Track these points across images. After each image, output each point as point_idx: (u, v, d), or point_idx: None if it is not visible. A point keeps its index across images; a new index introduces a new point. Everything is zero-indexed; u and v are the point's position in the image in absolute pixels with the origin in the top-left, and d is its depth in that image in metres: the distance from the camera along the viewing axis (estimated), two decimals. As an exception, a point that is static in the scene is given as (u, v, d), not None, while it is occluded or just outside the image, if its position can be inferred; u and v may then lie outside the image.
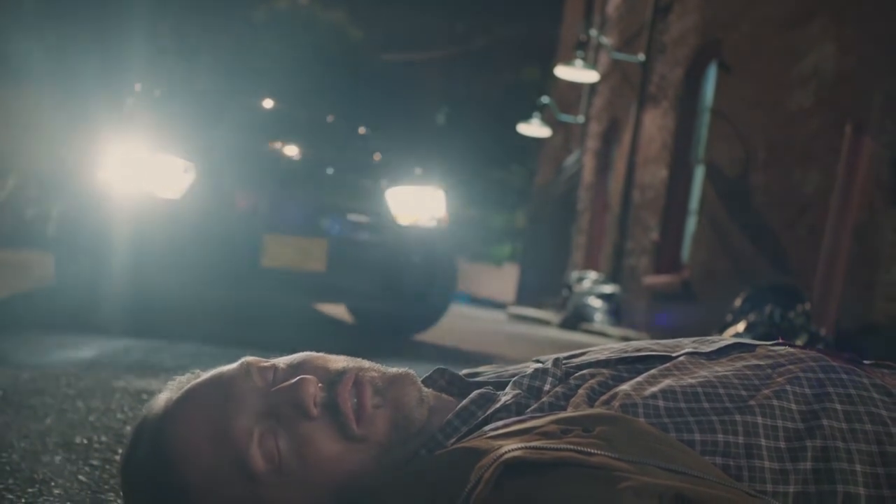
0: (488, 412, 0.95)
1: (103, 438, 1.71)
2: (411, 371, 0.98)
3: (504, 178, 22.12)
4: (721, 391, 0.91)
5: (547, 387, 0.98)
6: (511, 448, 0.78)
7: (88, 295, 4.11)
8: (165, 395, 0.99)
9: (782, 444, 0.85)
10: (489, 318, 10.66)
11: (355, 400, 0.92)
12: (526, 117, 13.61)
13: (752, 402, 0.89)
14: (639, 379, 0.95)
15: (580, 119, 12.98)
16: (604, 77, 11.43)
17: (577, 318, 9.31)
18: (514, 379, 1.01)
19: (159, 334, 3.63)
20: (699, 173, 8.24)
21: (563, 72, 10.88)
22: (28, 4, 12.41)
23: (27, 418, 1.82)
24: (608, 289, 9.48)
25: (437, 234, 4.52)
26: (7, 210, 11.40)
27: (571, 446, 0.77)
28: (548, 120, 13.71)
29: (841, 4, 5.77)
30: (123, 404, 2.08)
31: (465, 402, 0.98)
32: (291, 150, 4.53)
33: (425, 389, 0.99)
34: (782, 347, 1.00)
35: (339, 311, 6.04)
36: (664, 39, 9.32)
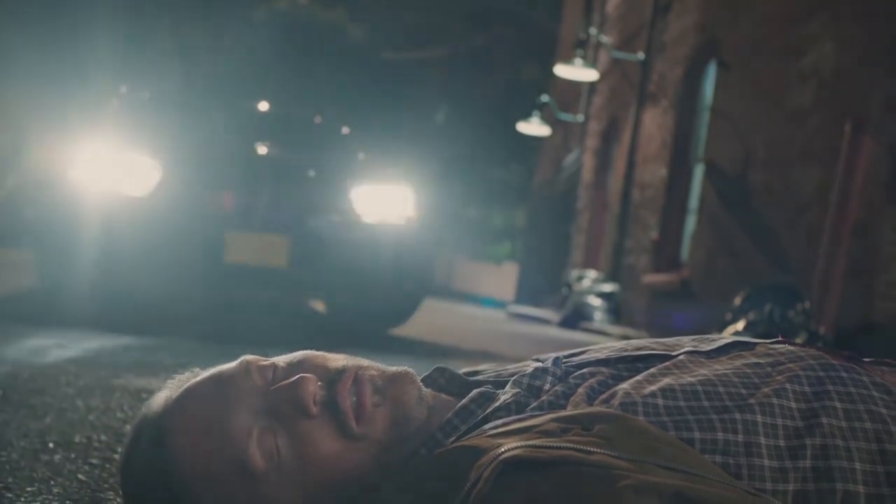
0: (488, 411, 0.95)
1: (103, 437, 1.70)
2: (411, 370, 0.98)
3: (503, 177, 22.10)
4: (721, 389, 0.91)
5: (546, 386, 0.98)
6: (511, 446, 0.78)
7: (65, 293, 4.22)
8: (165, 393, 0.99)
9: (782, 443, 0.85)
10: (490, 318, 10.65)
11: (355, 398, 0.92)
12: (525, 116, 13.60)
13: (751, 401, 0.89)
14: (638, 378, 0.95)
15: (580, 118, 12.98)
16: (603, 76, 11.43)
17: (576, 317, 9.31)
18: (513, 378, 1.01)
19: (158, 333, 3.63)
20: (699, 172, 8.23)
21: (562, 70, 10.88)
22: (22, 4, 12.42)
23: (26, 417, 1.82)
24: (608, 287, 9.49)
25: (405, 231, 4.58)
26: (7, 210, 11.39)
27: (571, 445, 0.77)
28: (547, 119, 13.70)
29: (840, 3, 5.76)
30: (123, 403, 2.07)
31: (464, 400, 0.98)
32: (263, 150, 4.57)
33: (424, 388, 0.99)
34: (782, 346, 1.00)
35: (320, 305, 6.13)
36: (664, 38, 9.31)
